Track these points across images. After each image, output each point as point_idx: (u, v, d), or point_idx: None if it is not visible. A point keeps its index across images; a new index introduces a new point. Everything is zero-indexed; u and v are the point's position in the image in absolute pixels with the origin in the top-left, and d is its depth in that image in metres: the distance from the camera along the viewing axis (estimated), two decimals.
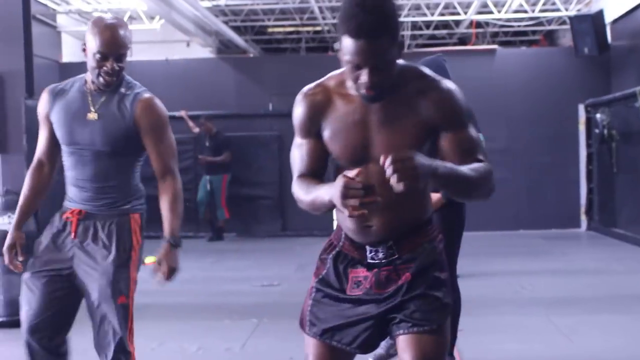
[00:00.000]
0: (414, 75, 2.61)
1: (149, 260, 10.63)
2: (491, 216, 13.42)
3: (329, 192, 2.42)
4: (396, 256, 2.69)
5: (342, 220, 2.79)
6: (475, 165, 2.54)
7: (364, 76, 2.45)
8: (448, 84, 2.61)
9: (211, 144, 13.21)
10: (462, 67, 13.93)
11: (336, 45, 2.60)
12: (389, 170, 2.26)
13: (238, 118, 14.06)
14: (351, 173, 2.35)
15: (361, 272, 2.73)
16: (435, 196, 4.77)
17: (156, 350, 5.73)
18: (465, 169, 2.50)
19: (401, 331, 2.65)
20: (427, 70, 2.65)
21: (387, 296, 2.70)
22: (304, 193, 2.61)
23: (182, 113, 13.62)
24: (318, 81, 2.71)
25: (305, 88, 2.70)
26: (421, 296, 2.67)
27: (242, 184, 13.68)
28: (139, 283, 8.92)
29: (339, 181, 2.32)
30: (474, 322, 6.38)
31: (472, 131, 2.60)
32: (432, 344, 2.62)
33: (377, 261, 2.71)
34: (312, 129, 2.65)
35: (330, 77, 2.70)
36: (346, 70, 2.51)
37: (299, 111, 2.68)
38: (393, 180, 2.26)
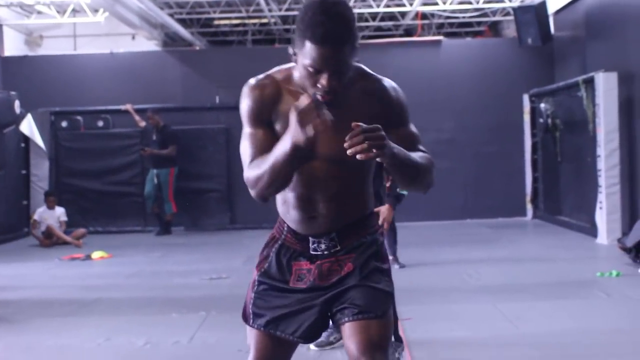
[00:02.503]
0: (358, 75, 2.68)
1: (96, 255, 10.61)
2: (439, 206, 13.55)
3: (284, 142, 2.46)
4: (338, 248, 2.75)
5: (285, 212, 2.80)
6: (422, 154, 2.65)
7: (323, 80, 2.49)
8: (390, 82, 2.72)
9: (158, 138, 13.11)
10: (408, 59, 14.06)
11: (291, 48, 2.59)
12: (356, 140, 2.35)
13: (185, 111, 13.97)
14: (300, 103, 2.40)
15: (304, 265, 2.77)
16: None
17: (103, 346, 5.68)
18: (416, 155, 2.61)
19: (346, 319, 2.68)
20: (368, 69, 2.73)
21: (329, 285, 2.74)
22: (258, 168, 2.58)
23: (128, 107, 13.51)
24: (266, 73, 2.72)
25: (253, 79, 2.70)
26: (364, 286, 2.71)
27: (190, 178, 13.60)
28: (86, 279, 8.93)
29: (292, 114, 2.38)
30: (422, 310, 6.45)
31: (413, 126, 2.74)
32: (377, 329, 2.66)
33: (319, 253, 2.75)
34: (263, 119, 2.66)
35: (277, 71, 2.72)
36: (303, 74, 2.53)
37: (247, 101, 2.68)
38: (358, 149, 2.34)
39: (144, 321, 6.49)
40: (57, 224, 12.19)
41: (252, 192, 2.66)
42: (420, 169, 2.60)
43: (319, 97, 2.50)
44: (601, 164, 10.43)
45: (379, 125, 2.40)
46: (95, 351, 5.55)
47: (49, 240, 11.90)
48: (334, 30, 2.44)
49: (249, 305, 2.84)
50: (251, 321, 2.81)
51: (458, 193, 13.91)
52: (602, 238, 10.35)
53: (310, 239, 2.76)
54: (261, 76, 2.71)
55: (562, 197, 12.82)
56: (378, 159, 2.42)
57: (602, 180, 10.42)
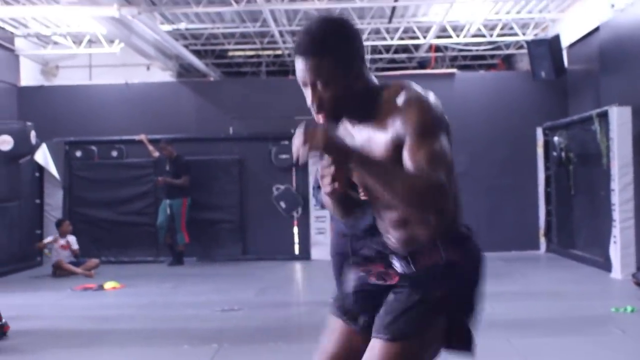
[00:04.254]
0: (390, 93, 2.59)
1: (109, 285, 10.60)
2: None
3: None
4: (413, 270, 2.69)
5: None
6: (420, 173, 2.45)
7: (307, 96, 2.52)
8: (415, 91, 2.57)
9: (171, 168, 13.15)
10: None
11: None
12: (298, 140, 2.39)
13: (198, 142, 14.02)
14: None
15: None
16: None
17: None
18: (400, 169, 2.46)
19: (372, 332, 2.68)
20: (405, 83, 2.62)
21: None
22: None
23: (142, 137, 13.56)
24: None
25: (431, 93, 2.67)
26: (394, 302, 2.67)
27: (203, 208, 13.63)
28: (98, 309, 8.93)
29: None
30: None
31: (428, 142, 2.50)
32: (381, 354, 2.61)
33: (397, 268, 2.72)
34: None
35: None
36: None
37: (442, 112, 2.66)
38: (302, 150, 2.39)
39: (156, 353, 6.48)
40: (67, 253, 12.18)
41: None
42: (395, 181, 2.41)
43: (313, 114, 2.53)
44: (615, 198, 10.39)
45: (323, 126, 2.42)
46: None
47: (60, 271, 11.90)
48: (305, 40, 2.47)
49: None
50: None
51: (471, 225, 13.84)
52: (617, 272, 10.28)
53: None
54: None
55: (576, 230, 12.76)
56: (315, 160, 2.43)
57: (616, 215, 10.37)
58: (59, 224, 12.50)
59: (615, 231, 10.37)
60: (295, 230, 13.94)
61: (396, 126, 2.50)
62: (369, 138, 2.55)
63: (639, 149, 10.40)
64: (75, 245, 12.34)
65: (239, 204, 13.98)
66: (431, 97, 2.58)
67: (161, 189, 13.34)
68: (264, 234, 13.90)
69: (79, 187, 13.99)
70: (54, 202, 13.65)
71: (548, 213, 13.91)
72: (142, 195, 14.04)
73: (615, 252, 10.40)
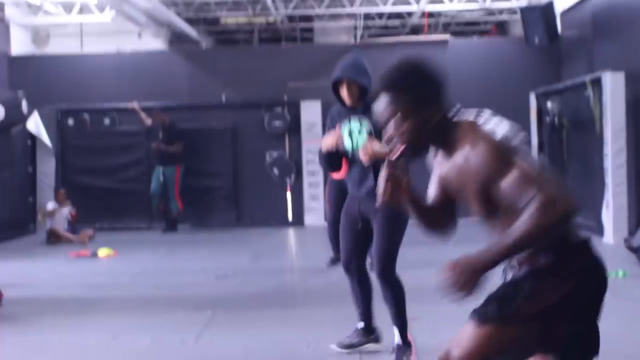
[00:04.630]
0: (463, 131, 2.75)
1: (103, 252, 10.61)
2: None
3: None
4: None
5: None
6: (525, 217, 2.55)
7: (389, 129, 2.82)
8: (483, 135, 2.69)
9: (164, 136, 13.12)
10: None
11: None
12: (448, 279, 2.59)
13: (191, 109, 13.97)
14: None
15: None
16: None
17: (110, 345, 5.69)
18: (515, 229, 2.57)
19: None
20: (473, 120, 2.77)
21: None
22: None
23: (134, 105, 13.52)
24: None
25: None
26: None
27: (196, 175, 13.62)
28: (92, 277, 8.93)
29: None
30: (430, 310, 6.42)
31: (514, 171, 2.61)
32: (468, 336, 2.77)
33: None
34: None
35: None
36: None
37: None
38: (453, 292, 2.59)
39: (150, 320, 6.50)
40: (65, 221, 12.20)
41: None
42: (524, 241, 2.57)
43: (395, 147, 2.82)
44: (608, 163, 10.41)
45: (462, 265, 2.61)
46: (102, 350, 5.56)
47: (54, 238, 11.91)
48: (387, 77, 2.82)
49: None
50: None
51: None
52: (609, 237, 10.34)
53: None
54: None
55: None
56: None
57: (608, 179, 10.40)
58: (56, 193, 12.55)
59: (608, 196, 10.41)
60: (289, 196, 13.96)
61: (473, 162, 2.69)
62: (455, 169, 2.77)
63: (631, 114, 10.41)
64: (72, 211, 12.36)
65: (232, 171, 13.98)
66: (497, 128, 2.72)
67: (154, 156, 13.33)
68: (258, 200, 13.92)
69: (72, 155, 13.97)
70: (47, 169, 13.63)
71: None
72: (135, 163, 14.03)
73: (607, 216, 10.45)
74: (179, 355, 5.35)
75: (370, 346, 5.09)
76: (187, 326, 6.17)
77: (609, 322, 5.89)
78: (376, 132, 4.68)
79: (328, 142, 4.81)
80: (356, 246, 4.95)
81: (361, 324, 5.06)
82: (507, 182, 2.61)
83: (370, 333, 5.10)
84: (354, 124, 4.79)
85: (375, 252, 4.81)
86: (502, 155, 2.64)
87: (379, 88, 2.79)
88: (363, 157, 4.65)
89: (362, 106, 4.79)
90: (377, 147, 4.60)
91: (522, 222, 2.54)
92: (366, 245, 4.98)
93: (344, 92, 4.79)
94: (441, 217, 2.91)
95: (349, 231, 4.95)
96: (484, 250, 2.59)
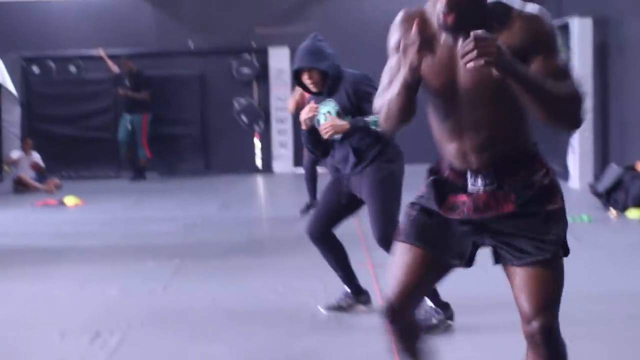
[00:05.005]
0: (499, 12, 2.56)
1: (70, 201, 10.55)
2: (417, 149, 13.53)
3: (400, 71, 2.56)
4: (495, 185, 2.67)
5: (443, 148, 2.76)
6: (564, 83, 2.49)
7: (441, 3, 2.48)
8: (533, 10, 2.55)
9: (131, 83, 13.00)
10: None
11: None
12: (468, 47, 2.32)
13: (158, 56, 13.82)
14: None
15: (460, 198, 2.70)
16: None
17: (78, 294, 5.68)
18: (551, 81, 2.46)
19: (516, 262, 2.68)
20: (511, 2, 2.59)
21: (485, 220, 2.69)
22: (382, 98, 2.67)
23: (100, 52, 13.34)
24: (417, 7, 2.69)
25: (404, 11, 2.70)
26: (531, 238, 2.66)
27: (164, 123, 13.53)
28: (60, 226, 8.88)
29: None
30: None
31: (560, 59, 2.55)
32: (548, 280, 2.65)
33: (476, 188, 2.69)
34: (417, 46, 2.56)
35: (428, 5, 2.66)
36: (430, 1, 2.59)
37: (393, 33, 2.69)
38: (471, 56, 2.31)
39: (118, 269, 6.50)
40: (32, 170, 12.10)
41: (381, 124, 2.70)
42: (553, 94, 2.44)
43: (441, 19, 2.50)
44: None
45: (492, 35, 2.36)
46: (70, 300, 5.56)
47: (21, 186, 11.83)
48: None
49: (404, 227, 2.80)
50: (402, 237, 2.77)
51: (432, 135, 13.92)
52: (574, 182, 10.44)
53: (468, 173, 2.69)
54: (412, 8, 2.69)
55: (536, 140, 12.86)
56: (493, 70, 2.34)
57: None
58: (22, 142, 12.43)
59: (574, 141, 10.48)
60: (257, 144, 13.92)
61: (515, 41, 2.49)
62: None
63: (599, 60, 10.44)
64: (40, 163, 12.26)
65: (200, 119, 13.90)
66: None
67: (121, 104, 13.21)
68: (226, 148, 13.87)
69: (38, 104, 13.82)
70: (13, 118, 13.43)
71: None
72: (102, 111, 13.91)
73: (573, 162, 10.54)
74: (147, 304, 5.36)
75: (361, 308, 4.97)
76: (155, 275, 6.18)
77: (573, 266, 5.99)
78: (344, 110, 4.68)
79: (303, 116, 4.76)
80: (328, 218, 4.87)
81: (347, 288, 4.98)
82: (547, 63, 2.49)
83: (358, 294, 4.99)
84: (327, 107, 4.76)
85: (371, 218, 4.68)
86: (557, 39, 2.58)
87: None
88: (324, 133, 4.62)
89: (326, 89, 4.75)
90: (336, 122, 4.61)
91: (558, 84, 2.46)
92: (340, 219, 4.93)
93: (307, 81, 4.75)
94: (413, 105, 2.64)
95: (328, 201, 4.89)
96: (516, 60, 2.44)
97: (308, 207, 8.62)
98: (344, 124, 4.64)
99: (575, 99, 2.49)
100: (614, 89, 10.21)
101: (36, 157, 12.28)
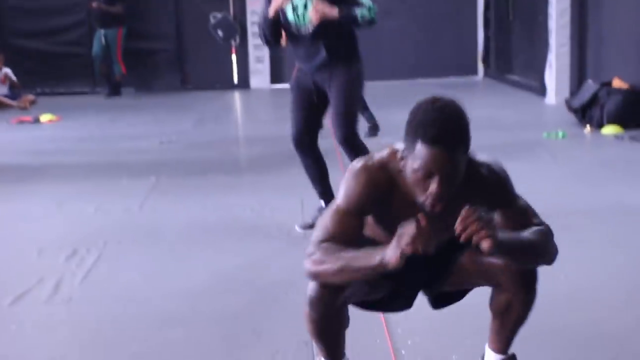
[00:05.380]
0: (478, 170, 2.50)
1: (45, 118, 10.45)
2: (390, 65, 13.50)
3: (374, 254, 2.29)
4: None
5: None
6: (535, 228, 2.48)
7: (434, 185, 2.29)
8: (488, 165, 2.50)
9: None
10: None
11: (400, 149, 2.41)
12: (471, 225, 2.21)
13: None
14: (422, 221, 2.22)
15: None
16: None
17: (53, 212, 5.69)
18: (526, 233, 2.44)
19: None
20: (475, 158, 2.50)
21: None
22: (332, 257, 2.36)
23: None
24: (380, 158, 2.48)
25: (366, 163, 2.48)
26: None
27: (139, 38, 13.35)
28: (35, 143, 8.82)
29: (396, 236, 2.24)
30: None
31: (520, 200, 2.55)
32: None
33: None
34: (363, 208, 2.46)
35: (390, 157, 2.47)
36: (413, 180, 2.33)
37: (356, 185, 2.44)
38: (471, 234, 2.21)
39: (95, 187, 6.49)
40: (2, 86, 11.93)
41: (308, 269, 2.41)
42: (536, 245, 2.44)
43: (428, 204, 2.33)
44: (552, 23, 10.42)
45: (491, 215, 2.37)
46: (46, 218, 5.57)
47: None
48: (448, 129, 2.27)
49: None
50: None
51: (409, 52, 13.86)
52: (551, 98, 10.47)
53: None
54: (375, 163, 2.47)
55: (514, 56, 12.86)
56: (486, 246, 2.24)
57: (552, 40, 10.43)
58: None
59: (551, 56, 10.47)
60: (234, 58, 13.80)
61: (475, 200, 2.39)
62: (446, 215, 2.38)
63: None
64: (13, 77, 12.09)
65: (175, 33, 13.74)
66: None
67: (95, 18, 12.98)
68: (202, 63, 13.73)
69: (9, 17, 13.57)
70: None
71: (487, 38, 13.93)
72: (76, 25, 13.69)
73: (550, 77, 10.54)
74: (123, 222, 5.38)
75: None
76: (131, 193, 6.18)
77: (547, 181, 6.08)
78: None
79: (273, 6, 4.70)
80: (309, 121, 4.89)
81: (322, 203, 5.00)
82: (511, 212, 2.50)
83: None
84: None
85: (337, 118, 4.75)
86: (512, 186, 2.56)
87: (438, 143, 2.27)
88: (314, 16, 4.58)
89: None
90: (327, 8, 4.57)
91: (533, 232, 2.46)
92: (319, 121, 4.95)
93: None
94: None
95: (301, 107, 4.89)
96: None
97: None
98: (334, 10, 4.61)
99: (550, 238, 2.51)
100: (591, 3, 10.15)
101: (8, 72, 12.09)
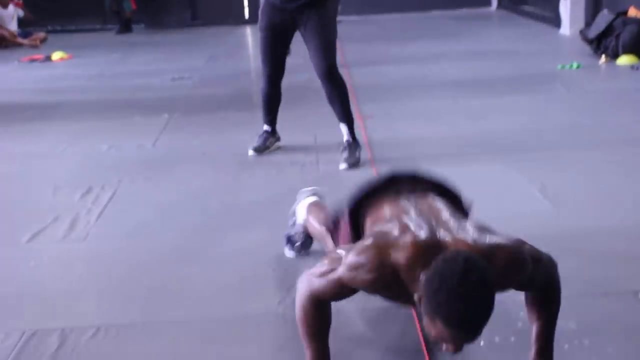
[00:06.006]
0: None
1: (56, 56, 10.43)
2: None
3: None
4: None
5: None
6: (549, 304, 2.49)
7: (450, 346, 2.19)
8: (508, 252, 2.32)
9: None
10: None
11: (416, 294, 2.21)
12: None
13: None
14: None
15: None
16: None
17: (67, 151, 5.70)
18: (550, 320, 2.49)
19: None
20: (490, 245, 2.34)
21: None
22: (309, 327, 2.49)
23: None
24: (396, 262, 2.27)
25: (384, 263, 2.29)
26: None
27: None
28: (47, 81, 8.82)
29: None
30: (383, 107, 6.50)
31: (538, 274, 2.41)
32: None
33: None
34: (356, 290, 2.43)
35: (407, 266, 2.27)
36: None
37: (365, 279, 2.32)
38: None
39: (108, 125, 6.49)
40: (12, 23, 11.89)
41: (296, 303, 2.52)
42: (555, 318, 2.51)
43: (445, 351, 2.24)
44: None
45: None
46: (60, 156, 5.58)
47: (5, 42, 11.66)
48: (474, 320, 2.10)
49: None
50: None
51: None
52: (565, 29, 10.34)
53: None
54: (389, 266, 2.28)
55: None
56: None
57: None
58: None
59: None
60: None
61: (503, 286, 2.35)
62: None
63: None
64: (20, 13, 12.04)
65: None
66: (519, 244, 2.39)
67: None
68: None
69: None
70: None
71: None
72: None
73: (564, 7, 10.40)
74: (137, 159, 5.39)
75: (277, 145, 5.41)
76: (144, 130, 6.17)
77: (561, 115, 6.04)
78: None
79: None
80: (283, 58, 5.11)
81: (268, 127, 5.36)
82: (534, 287, 2.50)
83: (275, 134, 5.40)
84: None
85: (319, 53, 4.87)
86: (526, 259, 2.45)
87: (469, 331, 2.14)
88: None
89: None
90: None
91: (554, 307, 2.50)
92: (286, 57, 5.16)
93: None
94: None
95: (276, 45, 5.03)
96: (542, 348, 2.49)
97: None
98: None
99: (559, 298, 2.50)
100: None
101: (14, 10, 12.02)
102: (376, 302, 2.70)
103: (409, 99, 6.90)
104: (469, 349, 2.65)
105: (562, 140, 5.37)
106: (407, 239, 2.30)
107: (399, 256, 2.27)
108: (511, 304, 2.73)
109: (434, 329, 2.15)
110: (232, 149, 5.51)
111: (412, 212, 2.46)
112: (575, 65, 7.92)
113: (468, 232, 2.34)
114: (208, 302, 3.18)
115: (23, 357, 2.79)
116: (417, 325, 2.84)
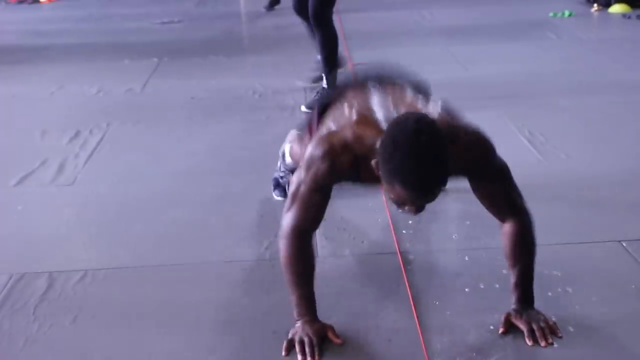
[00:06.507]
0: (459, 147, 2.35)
1: None
2: None
3: (299, 311, 2.46)
4: None
5: None
6: (521, 238, 2.46)
7: (409, 208, 2.22)
8: (475, 135, 2.40)
9: None
10: None
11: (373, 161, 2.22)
12: (543, 332, 2.40)
13: None
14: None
15: None
16: None
17: (55, 94, 5.66)
18: (526, 259, 2.48)
19: None
20: (457, 124, 2.42)
21: None
22: (294, 271, 2.45)
23: None
24: (343, 139, 2.34)
25: (332, 144, 2.35)
26: None
27: None
28: (35, 23, 8.72)
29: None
30: (375, 55, 6.45)
31: (504, 176, 2.46)
32: None
33: None
34: (329, 188, 2.41)
35: (355, 141, 2.33)
36: (389, 196, 2.25)
37: (323, 166, 2.34)
38: (546, 337, 2.39)
39: (96, 68, 6.45)
40: None
41: (280, 248, 2.50)
42: (534, 259, 2.49)
43: (401, 211, 2.29)
44: None
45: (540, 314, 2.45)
46: (48, 100, 5.55)
47: None
48: (429, 177, 2.10)
49: None
50: None
51: None
52: None
53: None
54: (340, 145, 2.33)
55: None
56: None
57: None
58: None
59: None
60: None
61: (464, 170, 2.38)
62: None
63: None
64: None
65: None
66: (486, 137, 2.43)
67: None
68: None
69: None
70: None
71: None
72: None
73: None
74: (125, 103, 5.36)
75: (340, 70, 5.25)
76: (133, 74, 6.14)
77: (551, 63, 6.02)
78: None
79: None
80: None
81: (319, 56, 5.20)
82: (493, 190, 2.49)
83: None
84: None
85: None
86: (495, 161, 2.54)
87: (426, 190, 2.15)
88: None
89: None
90: None
91: (530, 245, 2.49)
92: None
93: None
94: None
95: None
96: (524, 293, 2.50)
97: (271, 4, 8.63)
98: None
99: (534, 239, 2.48)
100: None
101: None
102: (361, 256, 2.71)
103: (400, 46, 6.85)
104: (455, 294, 2.68)
105: (553, 87, 5.36)
106: (353, 116, 2.38)
107: (347, 133, 2.34)
108: (494, 252, 2.75)
109: (393, 192, 2.17)
110: (220, 94, 5.48)
111: (376, 97, 2.49)
112: (567, 13, 7.88)
113: (433, 111, 2.38)
114: (196, 247, 3.19)
115: (10, 300, 2.80)
116: (404, 275, 2.86)
